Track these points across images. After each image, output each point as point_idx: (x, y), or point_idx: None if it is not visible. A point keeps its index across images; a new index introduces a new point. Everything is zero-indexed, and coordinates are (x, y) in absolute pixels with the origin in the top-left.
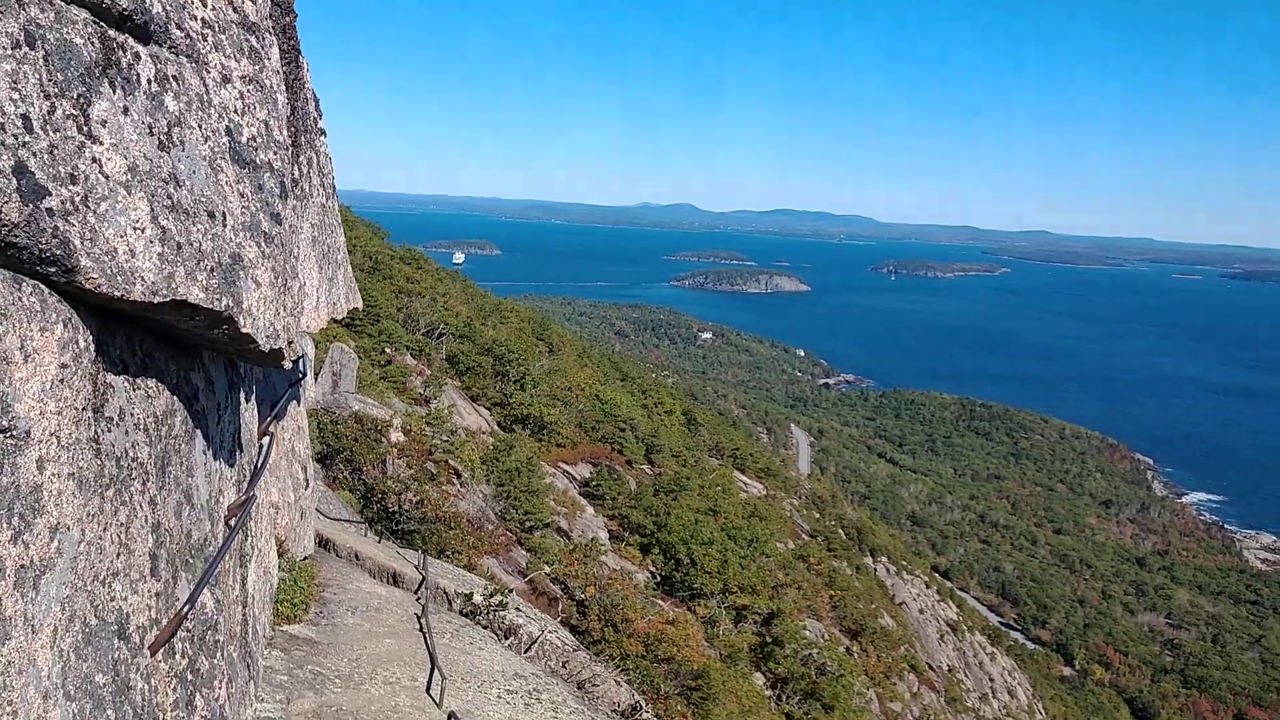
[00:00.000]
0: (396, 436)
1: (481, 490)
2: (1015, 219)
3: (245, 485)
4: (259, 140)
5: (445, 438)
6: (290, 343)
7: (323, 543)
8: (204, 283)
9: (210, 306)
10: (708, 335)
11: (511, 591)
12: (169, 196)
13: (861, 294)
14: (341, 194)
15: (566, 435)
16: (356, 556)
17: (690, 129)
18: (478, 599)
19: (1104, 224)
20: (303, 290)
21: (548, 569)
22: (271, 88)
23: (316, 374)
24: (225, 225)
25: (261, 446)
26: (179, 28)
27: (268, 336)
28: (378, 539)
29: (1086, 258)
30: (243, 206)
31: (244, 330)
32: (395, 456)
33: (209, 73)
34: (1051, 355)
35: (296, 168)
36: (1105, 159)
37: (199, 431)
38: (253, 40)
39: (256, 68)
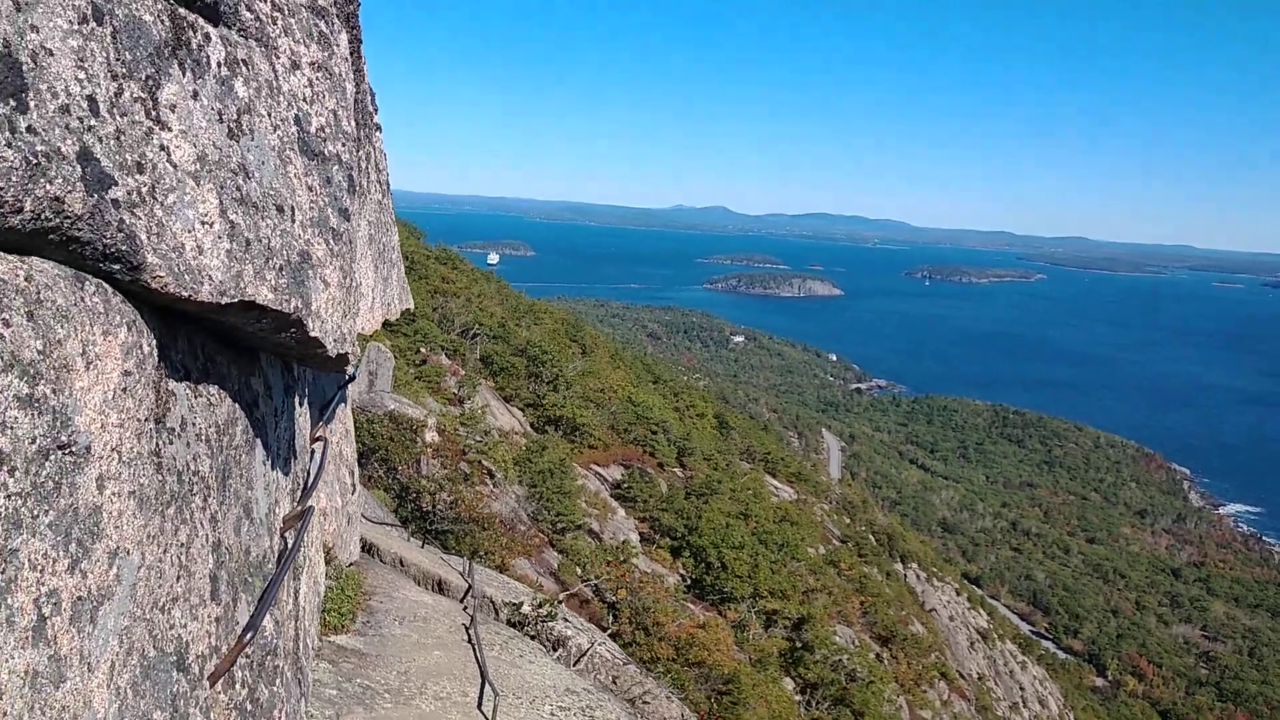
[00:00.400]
0: (431, 436)
1: (514, 491)
2: (1051, 224)
3: (300, 495)
4: (328, 131)
5: (479, 438)
6: (354, 347)
7: (366, 548)
8: (273, 282)
9: (279, 308)
10: (740, 338)
11: (561, 602)
12: (238, 189)
13: (895, 299)
14: None
15: (599, 437)
16: (401, 563)
17: (725, 131)
18: (526, 609)
19: (1142, 230)
20: (358, 290)
21: (580, 571)
22: (340, 75)
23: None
24: (294, 221)
25: (313, 453)
26: (249, 9)
27: (335, 340)
28: (420, 543)
29: (1124, 264)
30: (311, 201)
31: (312, 334)
32: (430, 456)
33: (279, 58)
34: (1087, 363)
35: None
36: (1145, 164)
37: (259, 440)
38: (322, 25)
39: (326, 54)
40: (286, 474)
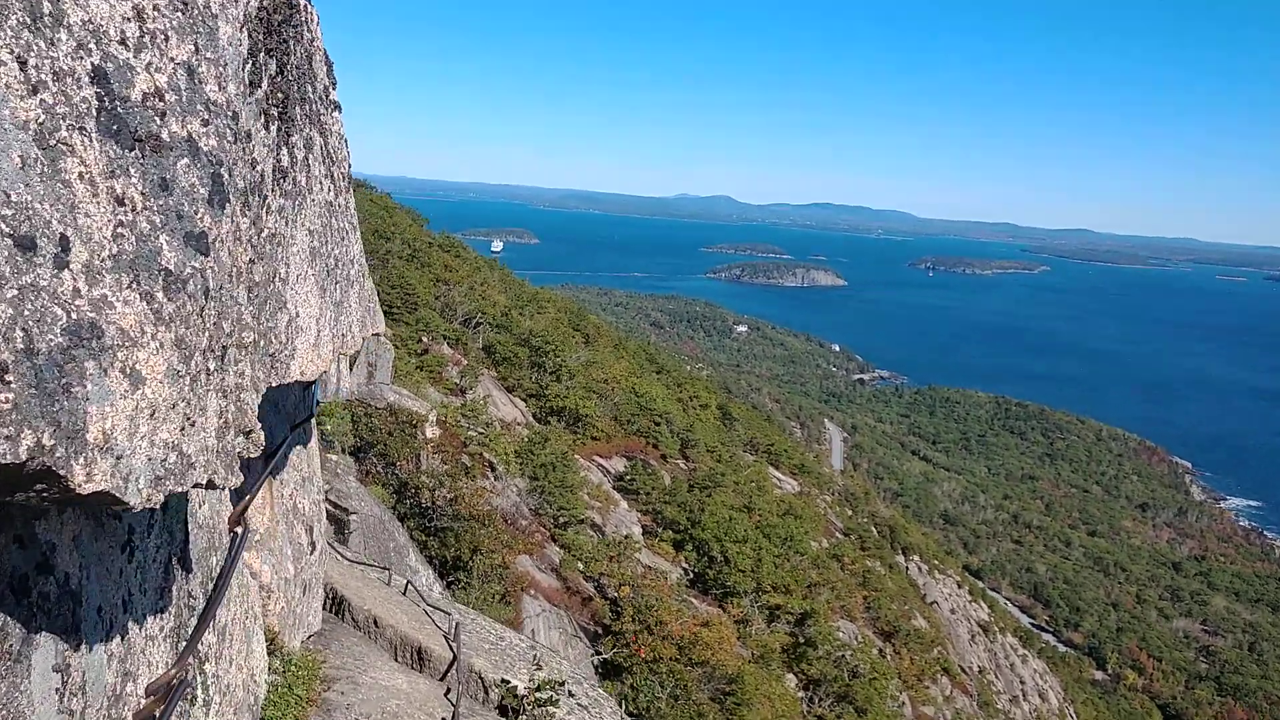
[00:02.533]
0: (431, 431)
1: (516, 484)
2: (1055, 217)
3: (185, 642)
4: (170, 101)
5: (480, 430)
6: (229, 472)
7: (335, 602)
8: None
9: None
10: (743, 328)
11: (564, 684)
12: None
13: (898, 289)
14: (380, 180)
15: (601, 428)
16: (376, 623)
17: (730, 121)
18: (520, 688)
19: (1147, 223)
20: (294, 325)
21: (582, 567)
22: (207, 9)
23: (352, 364)
24: (61, 265)
25: (235, 536)
26: None
27: (150, 483)
28: (403, 586)
29: (1128, 257)
30: (118, 223)
31: (84, 488)
32: (430, 452)
33: None
34: (1090, 356)
35: (286, 151)
36: (1149, 157)
37: (67, 612)
38: None
39: None
40: (162, 610)
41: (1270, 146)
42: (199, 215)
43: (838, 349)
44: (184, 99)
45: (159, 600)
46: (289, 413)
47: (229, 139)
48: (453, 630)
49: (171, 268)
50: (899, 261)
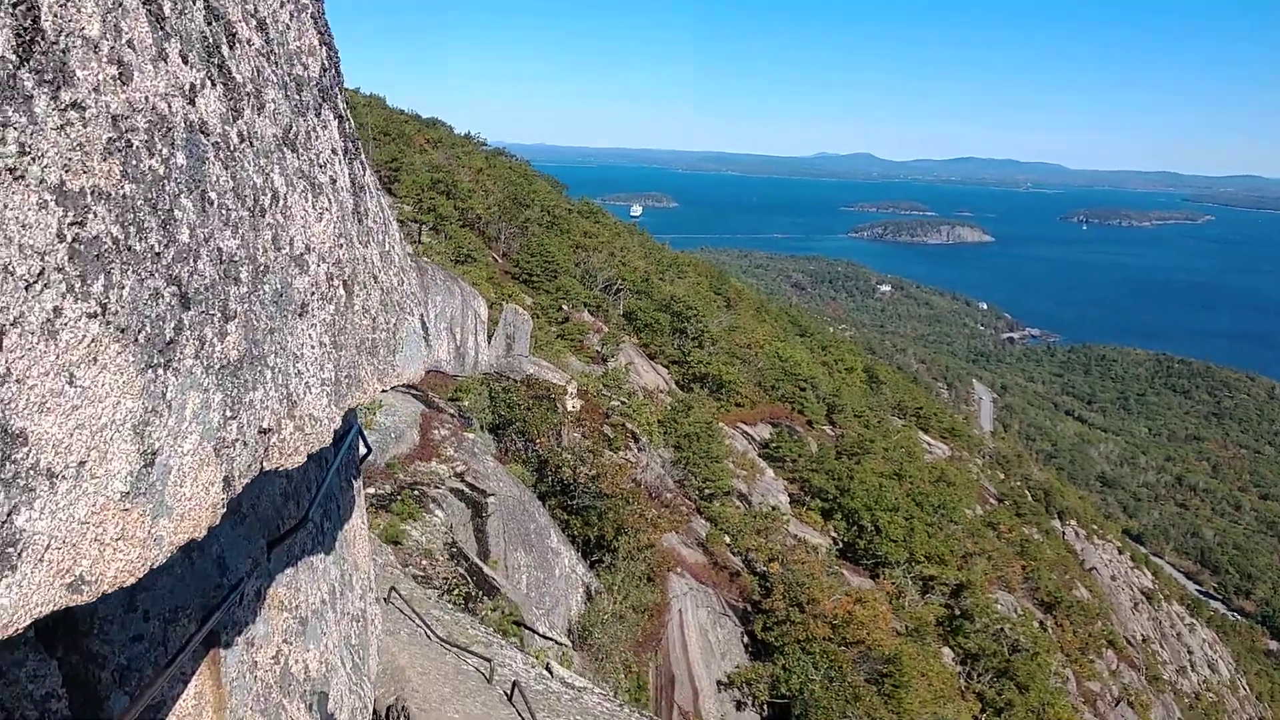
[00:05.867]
0: (572, 403)
1: (660, 455)
2: (1220, 163)
3: None
4: None
5: (622, 400)
6: None
7: (398, 714)
8: None
9: None
10: (886, 288)
11: None
12: None
13: (1049, 245)
14: (520, 149)
15: (745, 394)
16: None
17: (869, 77)
18: None
19: None
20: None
21: (728, 541)
22: None
23: (490, 337)
24: None
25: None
26: None
27: None
28: (509, 687)
29: None
30: None
31: None
32: (571, 426)
33: None
34: (1260, 309)
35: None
36: None
37: None
38: None
39: None
40: None
41: None
42: None
43: (985, 307)
44: None
45: None
46: (265, 517)
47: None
48: None
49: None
50: (1050, 216)
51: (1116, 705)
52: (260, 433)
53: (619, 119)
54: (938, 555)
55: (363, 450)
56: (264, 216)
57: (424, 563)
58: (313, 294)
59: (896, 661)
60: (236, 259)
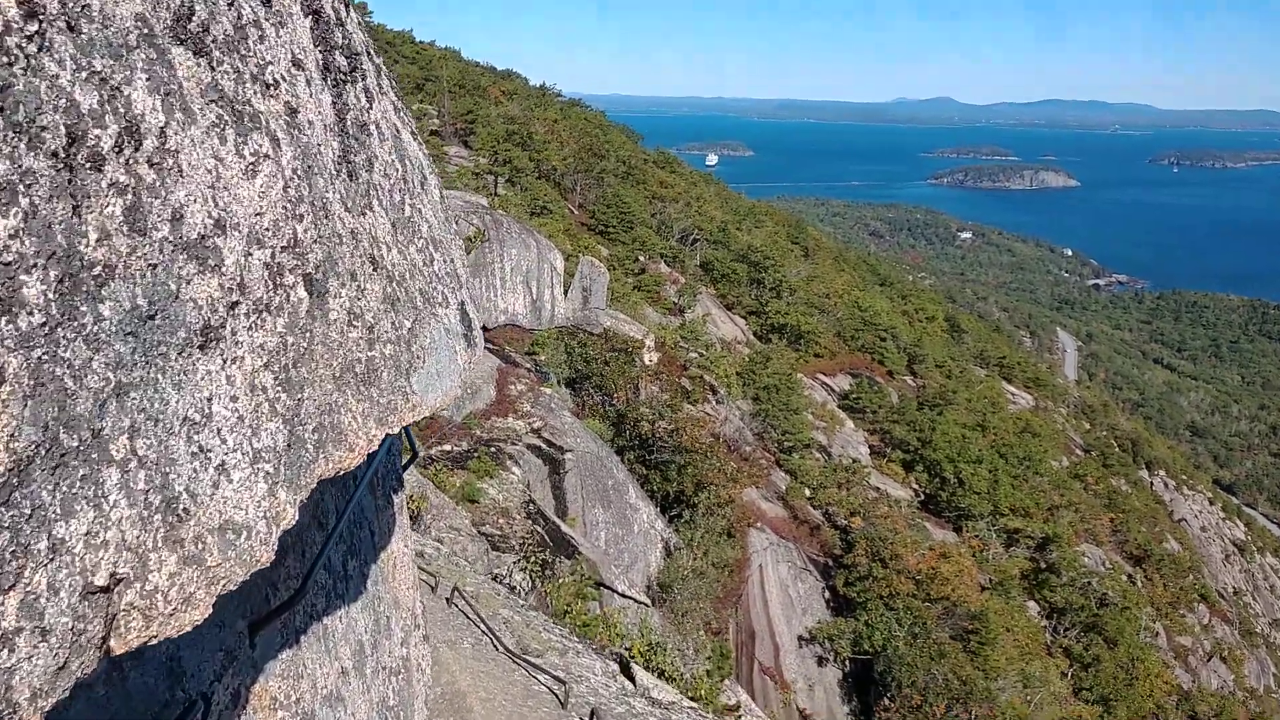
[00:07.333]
0: (649, 357)
1: (739, 407)
2: None
3: None
4: None
5: (700, 351)
6: None
7: None
8: None
9: None
10: (967, 235)
11: None
12: None
13: (1137, 188)
14: (595, 99)
15: (824, 345)
16: None
17: (947, 17)
18: None
19: None
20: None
21: (808, 494)
22: None
23: (566, 290)
24: None
25: None
26: None
27: None
28: (562, 698)
29: None
30: None
31: None
32: (648, 380)
33: None
34: None
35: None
36: None
37: None
38: None
39: None
40: None
41: None
42: None
43: (1069, 253)
44: None
45: None
46: (243, 586)
47: None
48: None
49: None
50: (1138, 158)
51: (1209, 660)
52: (87, 595)
53: (694, 68)
54: (1023, 508)
55: (407, 454)
56: (101, 170)
57: (500, 521)
58: (232, 306)
59: (982, 618)
60: (9, 261)
